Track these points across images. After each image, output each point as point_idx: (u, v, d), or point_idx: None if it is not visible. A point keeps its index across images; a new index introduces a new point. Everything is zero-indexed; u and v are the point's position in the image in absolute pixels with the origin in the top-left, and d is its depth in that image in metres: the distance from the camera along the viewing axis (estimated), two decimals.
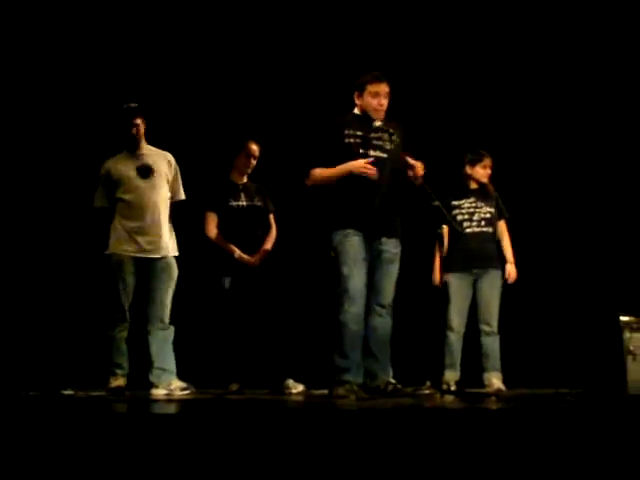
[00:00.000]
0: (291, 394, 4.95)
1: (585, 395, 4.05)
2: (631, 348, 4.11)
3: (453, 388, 5.08)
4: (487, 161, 5.54)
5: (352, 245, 4.27)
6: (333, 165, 4.33)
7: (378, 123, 4.39)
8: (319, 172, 4.38)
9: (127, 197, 4.87)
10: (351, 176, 4.28)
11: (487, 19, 6.30)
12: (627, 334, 4.14)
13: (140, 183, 4.89)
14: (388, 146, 4.39)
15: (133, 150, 4.98)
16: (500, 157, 5.83)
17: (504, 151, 6.11)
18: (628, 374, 4.09)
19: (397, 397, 4.12)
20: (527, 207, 6.14)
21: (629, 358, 4.11)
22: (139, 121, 4.96)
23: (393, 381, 5.17)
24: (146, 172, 4.93)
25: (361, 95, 4.42)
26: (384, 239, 4.36)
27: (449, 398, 4.02)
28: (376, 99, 4.37)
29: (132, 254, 4.84)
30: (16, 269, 5.74)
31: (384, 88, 4.39)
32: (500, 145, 6.12)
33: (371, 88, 4.38)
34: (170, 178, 5.02)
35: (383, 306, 4.35)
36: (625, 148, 6.24)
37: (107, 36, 5.99)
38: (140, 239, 4.85)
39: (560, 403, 3.29)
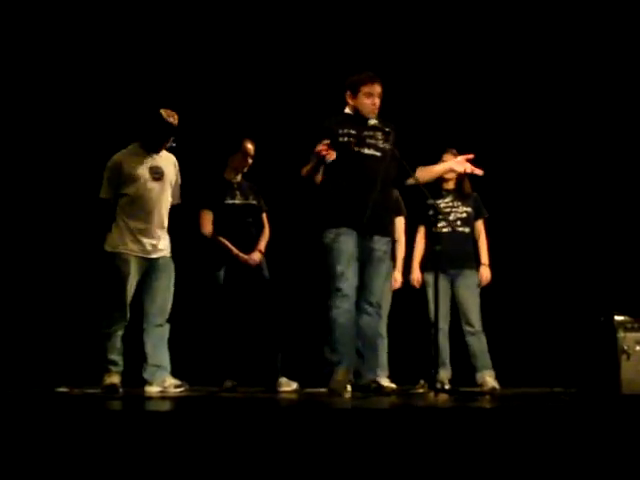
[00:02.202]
0: (285, 392, 4.95)
1: (579, 394, 4.06)
2: (625, 347, 4.12)
3: (447, 386, 5.09)
4: (444, 156, 5.46)
5: (346, 244, 4.26)
6: (329, 165, 4.30)
7: (373, 122, 4.38)
8: (303, 168, 4.35)
9: (136, 196, 4.78)
10: (345, 174, 4.28)
11: (471, 19, 6.33)
12: (621, 333, 4.15)
13: (152, 184, 4.84)
14: (381, 144, 4.39)
15: (149, 152, 4.90)
16: (498, 156, 5.84)
17: (501, 150, 6.13)
18: (622, 373, 4.10)
19: (382, 396, 4.12)
20: (521, 206, 6.16)
21: (623, 357, 4.12)
22: (172, 139, 4.90)
23: (386, 382, 5.20)
24: (159, 174, 4.89)
25: (354, 96, 4.42)
26: (376, 237, 4.35)
27: (443, 397, 4.02)
28: (370, 99, 4.38)
29: (136, 254, 4.80)
30: (11, 266, 5.74)
31: (377, 88, 4.40)
32: (496, 144, 6.14)
33: (365, 89, 4.38)
34: (173, 182, 5.01)
35: (372, 304, 4.34)
36: (620, 147, 6.26)
37: (106, 35, 6.02)
38: (145, 240, 4.80)
39: (554, 402, 3.30)
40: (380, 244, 4.37)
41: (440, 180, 5.50)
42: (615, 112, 6.28)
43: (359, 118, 4.42)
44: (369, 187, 4.27)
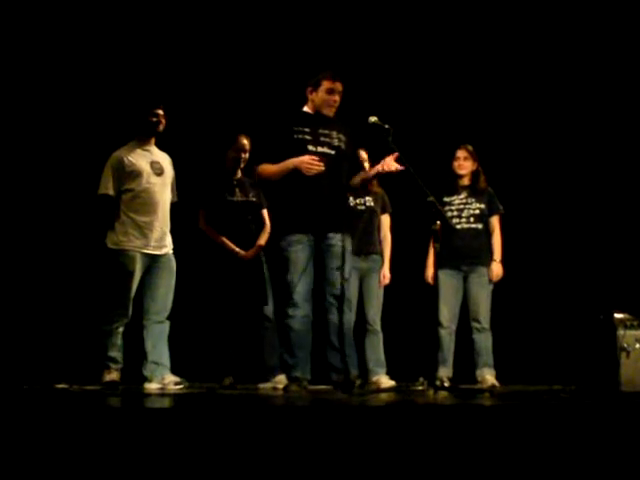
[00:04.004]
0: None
1: (579, 392, 4.05)
2: (625, 345, 4.11)
3: (446, 384, 5.08)
4: (458, 152, 5.51)
5: (297, 252, 4.29)
6: (282, 161, 4.34)
7: (373, 119, 4.33)
8: (265, 167, 4.41)
9: (140, 190, 4.81)
10: (295, 178, 4.28)
11: (478, 16, 6.32)
12: (621, 331, 4.14)
13: (154, 179, 4.87)
14: (336, 143, 4.44)
15: (144, 142, 4.92)
16: (492, 153, 5.83)
17: (496, 147, 6.13)
18: (622, 371, 4.10)
19: (366, 394, 4.10)
20: (521, 203, 6.15)
21: (622, 355, 4.11)
22: (161, 112, 4.89)
23: (385, 379, 5.20)
24: (159, 169, 4.91)
25: (315, 90, 4.46)
26: (331, 234, 4.36)
27: (442, 394, 4.02)
28: (331, 95, 4.43)
29: (141, 250, 4.81)
30: (11, 263, 5.73)
31: (339, 86, 4.45)
32: (493, 141, 6.13)
33: (327, 84, 4.44)
34: (172, 179, 5.03)
35: (340, 300, 4.33)
36: (619, 146, 6.25)
37: (103, 33, 6.00)
38: (150, 235, 4.82)
39: (554, 400, 3.30)
40: (336, 240, 4.37)
41: (455, 176, 5.52)
42: (615, 115, 6.28)
43: (316, 115, 4.47)
44: (319, 188, 4.30)
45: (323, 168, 4.25)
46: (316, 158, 4.25)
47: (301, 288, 4.28)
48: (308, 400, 3.51)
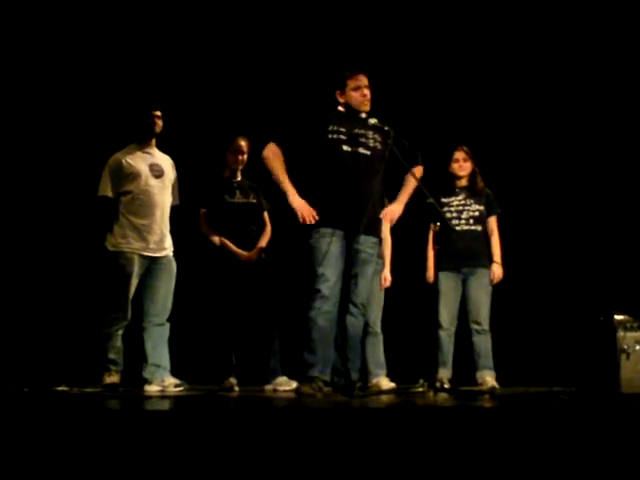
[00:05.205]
0: (284, 391, 4.95)
1: (579, 393, 4.05)
2: (625, 347, 4.11)
3: (446, 386, 5.08)
4: (457, 154, 5.52)
5: (328, 244, 4.19)
6: (318, 159, 4.31)
7: (373, 121, 4.33)
8: (274, 162, 4.32)
9: (138, 192, 4.81)
10: (328, 175, 4.26)
11: (478, 16, 6.33)
12: (621, 333, 4.14)
13: (153, 181, 4.87)
14: (372, 143, 4.37)
15: (144, 144, 4.92)
16: (492, 153, 5.84)
17: (496, 147, 6.13)
18: (622, 373, 4.09)
19: (367, 396, 4.10)
20: (521, 205, 6.16)
21: (622, 357, 4.11)
22: (159, 114, 4.89)
23: (385, 381, 5.20)
24: (159, 172, 4.91)
25: (343, 92, 4.41)
26: (362, 237, 4.27)
27: (442, 396, 4.02)
28: (359, 92, 4.37)
29: (140, 252, 4.81)
30: (11, 265, 5.73)
31: (363, 80, 4.38)
32: (492, 142, 6.14)
33: (352, 83, 4.38)
34: (172, 182, 5.03)
35: (356, 305, 4.29)
36: (619, 147, 6.26)
37: (103, 34, 6.01)
38: (149, 237, 4.82)
39: (554, 401, 3.29)
40: (366, 245, 4.31)
41: (453, 178, 5.53)
42: (612, 115, 6.28)
43: (351, 115, 4.41)
44: (354, 187, 4.25)
45: (313, 222, 4.19)
46: (314, 214, 4.19)
47: (331, 281, 4.17)
48: (314, 403, 3.50)
